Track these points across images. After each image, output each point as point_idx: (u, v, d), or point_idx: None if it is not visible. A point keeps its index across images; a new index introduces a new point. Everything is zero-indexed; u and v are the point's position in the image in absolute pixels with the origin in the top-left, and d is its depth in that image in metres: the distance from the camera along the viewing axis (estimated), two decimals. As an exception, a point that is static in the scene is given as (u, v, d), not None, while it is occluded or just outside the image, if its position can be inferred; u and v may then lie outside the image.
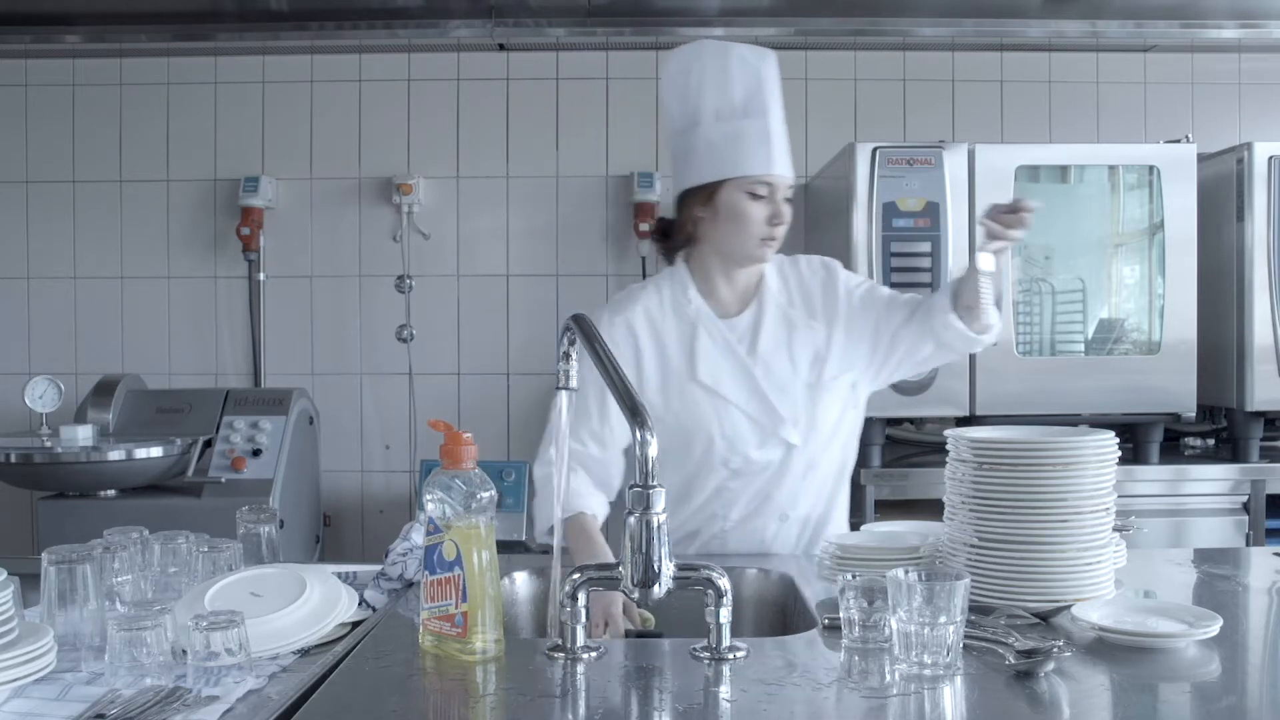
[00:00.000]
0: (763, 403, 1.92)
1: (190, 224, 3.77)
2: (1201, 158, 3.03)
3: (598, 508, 1.91)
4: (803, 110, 3.74)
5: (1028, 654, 1.24)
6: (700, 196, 1.91)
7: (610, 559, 1.72)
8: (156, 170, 3.76)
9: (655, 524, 1.30)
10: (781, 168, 1.88)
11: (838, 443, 2.01)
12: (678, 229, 1.98)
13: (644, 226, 3.63)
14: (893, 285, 2.87)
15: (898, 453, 3.14)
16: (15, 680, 1.19)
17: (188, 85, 3.76)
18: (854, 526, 1.95)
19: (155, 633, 1.24)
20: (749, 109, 1.88)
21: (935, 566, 1.53)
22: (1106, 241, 3.12)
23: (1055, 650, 1.24)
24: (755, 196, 1.87)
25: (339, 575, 1.64)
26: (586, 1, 3.40)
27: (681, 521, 1.97)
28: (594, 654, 1.32)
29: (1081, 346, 3.06)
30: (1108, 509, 1.45)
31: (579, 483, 1.91)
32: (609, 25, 3.51)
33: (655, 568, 1.30)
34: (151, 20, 3.50)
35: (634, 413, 1.33)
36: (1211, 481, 2.98)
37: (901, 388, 2.89)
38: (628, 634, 1.61)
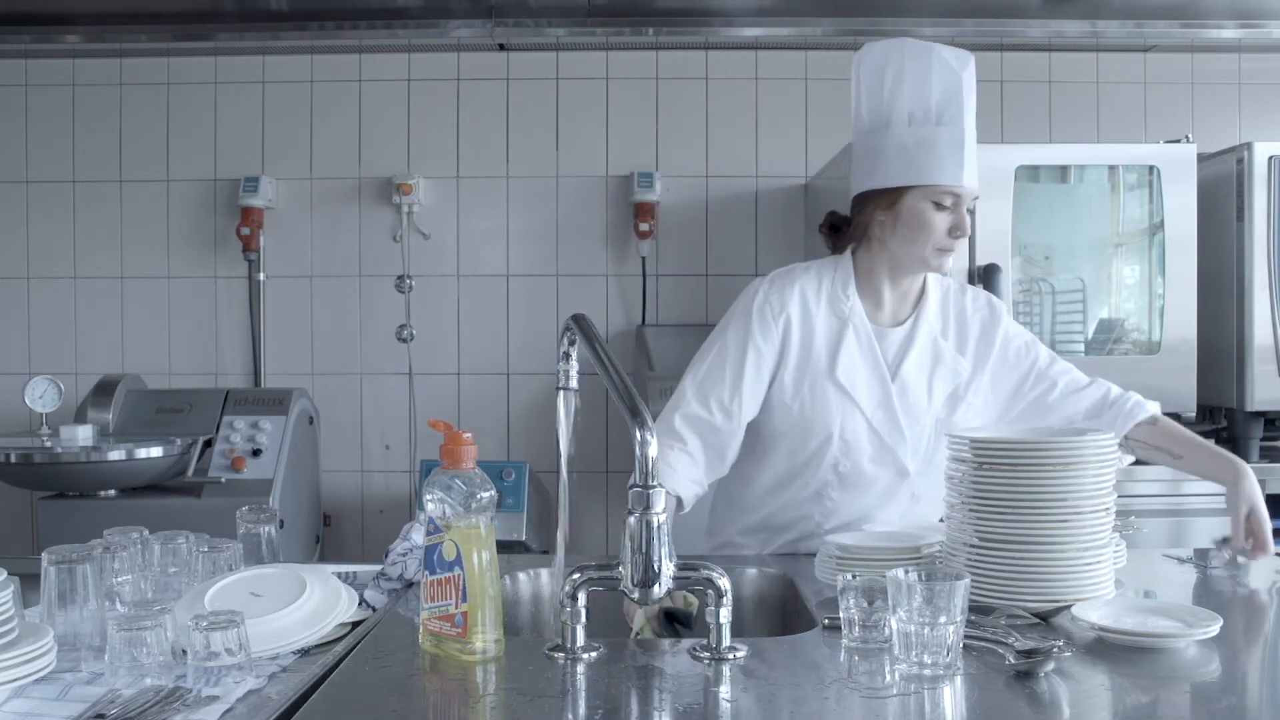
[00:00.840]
0: (891, 419, 1.89)
1: (190, 224, 3.77)
2: (1201, 158, 3.03)
3: (684, 487, 1.84)
4: (803, 110, 3.75)
5: (1028, 654, 1.24)
6: (883, 200, 1.86)
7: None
8: (156, 170, 3.76)
9: (655, 524, 1.30)
10: (971, 180, 1.83)
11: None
12: (855, 229, 1.94)
13: (644, 226, 3.63)
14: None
15: (898, 453, 3.13)
16: (15, 680, 1.18)
17: (188, 85, 3.76)
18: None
19: (155, 633, 1.24)
20: (944, 115, 1.82)
21: (935, 566, 1.53)
22: (1106, 241, 3.12)
23: (1055, 650, 1.24)
24: (940, 206, 1.82)
25: (339, 575, 1.64)
26: (586, 1, 3.40)
27: (771, 513, 1.96)
28: (594, 654, 1.32)
29: (1081, 346, 3.06)
30: (1108, 509, 1.45)
31: (679, 460, 1.84)
32: (609, 25, 3.51)
33: (655, 567, 1.30)
34: (151, 20, 3.50)
35: (634, 413, 1.33)
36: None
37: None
38: (664, 612, 1.60)
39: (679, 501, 1.82)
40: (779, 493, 1.95)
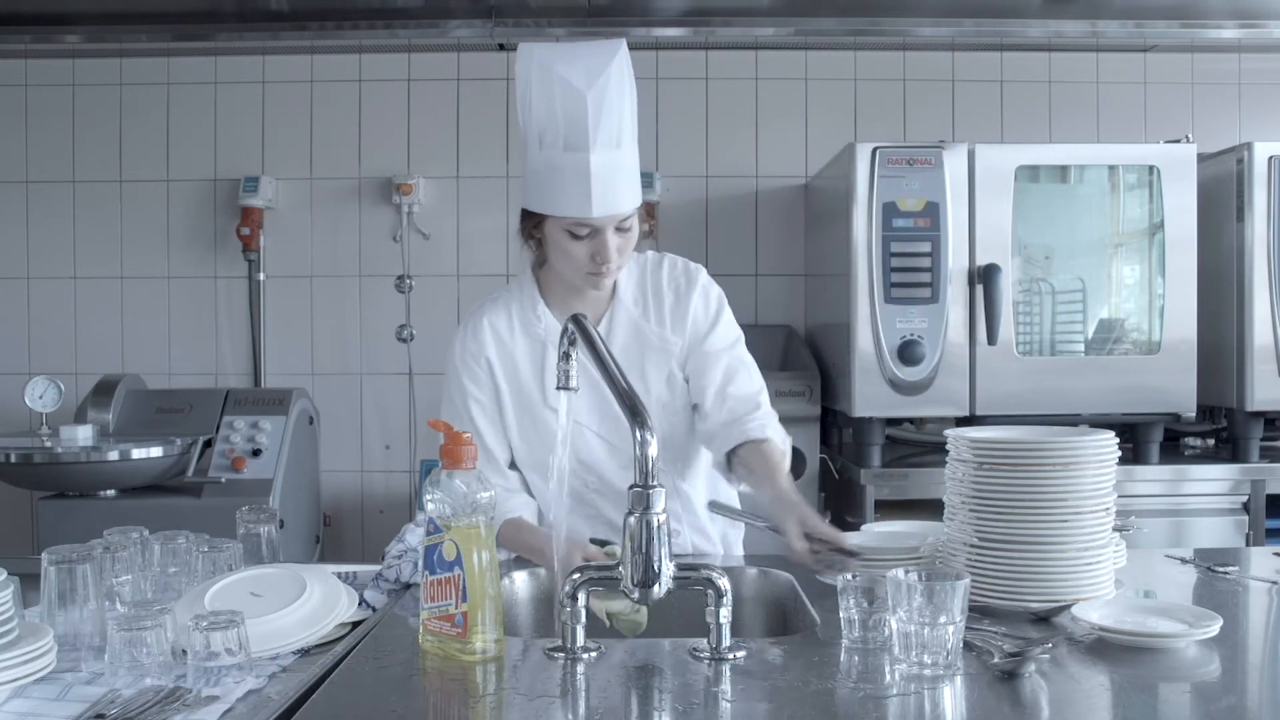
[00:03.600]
0: (615, 424, 1.81)
1: (190, 224, 3.77)
2: (1201, 158, 3.03)
3: (522, 508, 1.87)
4: (803, 110, 3.75)
5: (1015, 654, 1.24)
6: (531, 221, 1.79)
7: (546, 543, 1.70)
8: (156, 170, 3.76)
9: (655, 524, 1.30)
10: (605, 208, 1.71)
11: (700, 465, 1.95)
12: (525, 240, 1.86)
13: (644, 227, 3.62)
14: (893, 285, 2.88)
15: (898, 453, 3.14)
16: (15, 680, 1.19)
17: (188, 85, 3.76)
18: (854, 526, 1.95)
19: (155, 633, 1.24)
20: (571, 140, 1.68)
21: (935, 566, 1.53)
22: (1106, 241, 3.12)
23: (1043, 650, 1.24)
24: (575, 236, 1.73)
25: (339, 575, 1.64)
26: (586, 2, 3.39)
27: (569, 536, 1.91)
28: (594, 654, 1.32)
29: (1081, 346, 3.06)
30: (1108, 509, 1.45)
31: (498, 494, 1.88)
32: (609, 25, 3.51)
33: (655, 568, 1.30)
34: (151, 20, 3.50)
35: (634, 413, 1.34)
36: (1211, 481, 2.98)
37: (901, 388, 2.89)
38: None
39: (529, 518, 1.87)
40: (567, 519, 1.88)
